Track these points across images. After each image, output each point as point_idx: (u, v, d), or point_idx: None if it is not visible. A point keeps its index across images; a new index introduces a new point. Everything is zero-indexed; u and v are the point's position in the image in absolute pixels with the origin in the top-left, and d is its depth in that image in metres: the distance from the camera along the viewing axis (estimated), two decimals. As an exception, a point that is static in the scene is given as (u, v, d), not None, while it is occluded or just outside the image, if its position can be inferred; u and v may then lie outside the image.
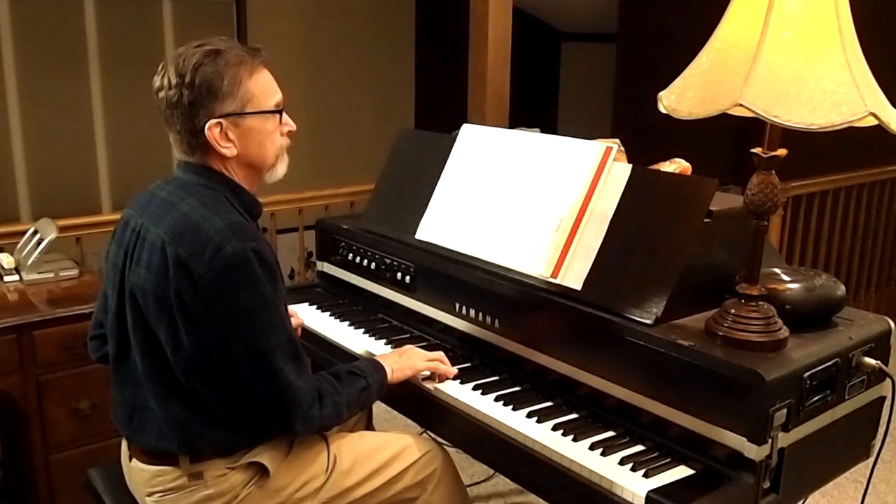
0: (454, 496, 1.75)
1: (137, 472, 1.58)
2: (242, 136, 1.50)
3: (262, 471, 1.55)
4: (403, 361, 1.71)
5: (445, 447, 1.79)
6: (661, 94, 1.41)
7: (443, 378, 1.73)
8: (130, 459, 1.60)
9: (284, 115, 1.57)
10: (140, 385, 1.52)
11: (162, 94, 1.48)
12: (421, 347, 1.86)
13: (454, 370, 1.74)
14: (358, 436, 1.72)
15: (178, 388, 1.48)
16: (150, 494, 1.55)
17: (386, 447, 1.69)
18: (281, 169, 1.60)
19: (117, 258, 1.55)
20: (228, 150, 1.50)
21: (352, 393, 1.58)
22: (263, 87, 1.52)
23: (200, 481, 1.52)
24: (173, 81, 1.46)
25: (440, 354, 1.77)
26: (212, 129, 1.47)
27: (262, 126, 1.52)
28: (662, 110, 1.40)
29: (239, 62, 1.48)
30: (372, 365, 1.66)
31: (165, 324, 1.44)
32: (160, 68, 1.50)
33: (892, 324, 1.61)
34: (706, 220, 1.54)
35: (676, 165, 1.85)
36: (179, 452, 1.51)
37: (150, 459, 1.55)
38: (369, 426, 2.12)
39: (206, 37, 1.53)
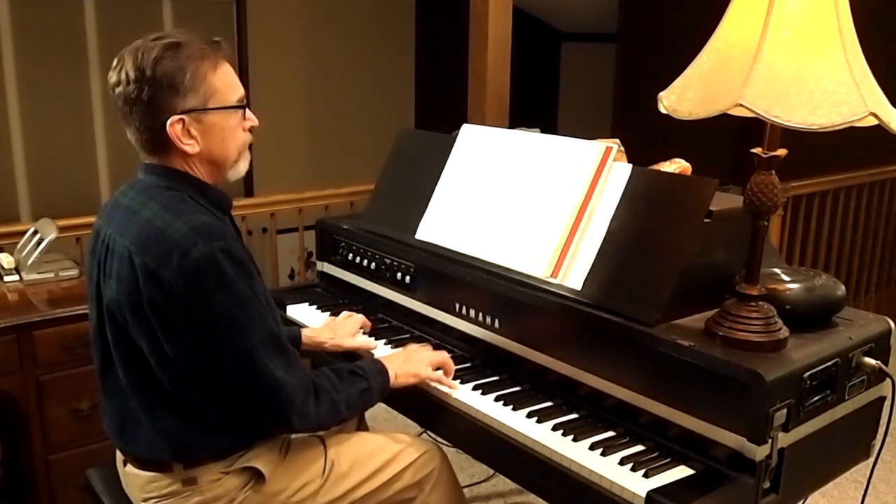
0: (451, 496, 1.74)
1: (132, 477, 1.57)
2: (205, 132, 1.46)
3: (257, 475, 1.54)
4: (408, 367, 1.68)
5: (443, 447, 1.79)
6: (662, 94, 1.41)
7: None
8: (125, 465, 1.60)
9: (247, 110, 1.52)
10: (127, 396, 1.51)
11: (119, 89, 1.42)
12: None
13: (456, 386, 1.71)
14: (355, 437, 1.72)
15: (165, 398, 1.46)
16: (145, 500, 1.55)
17: (384, 448, 1.68)
18: (243, 166, 1.55)
19: (92, 269, 1.53)
20: (191, 146, 1.45)
21: (352, 393, 1.56)
22: (226, 82, 1.47)
23: (195, 486, 1.50)
24: (132, 76, 1.40)
25: (444, 358, 1.74)
26: (173, 126, 1.42)
27: (224, 122, 1.47)
28: (662, 110, 1.40)
29: (201, 56, 1.43)
30: (375, 367, 1.64)
31: (145, 334, 1.42)
32: (116, 62, 1.44)
33: (892, 324, 1.61)
34: (706, 220, 1.53)
35: (676, 165, 1.85)
36: (172, 461, 1.50)
37: (144, 466, 1.54)
38: (361, 423, 2.11)
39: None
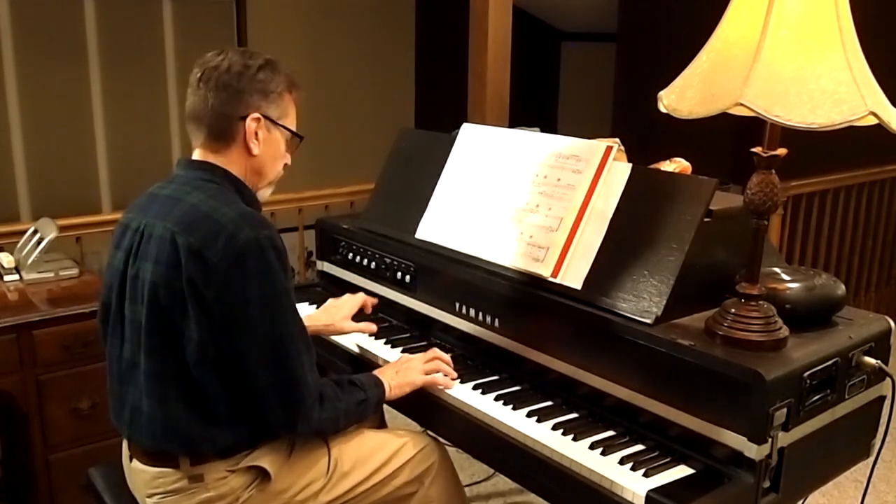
0: (451, 490, 1.76)
1: (138, 472, 1.58)
2: (266, 142, 1.57)
3: (262, 474, 1.55)
4: (401, 377, 1.70)
5: (442, 444, 1.79)
6: (661, 93, 1.41)
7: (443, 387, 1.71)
8: (131, 460, 1.60)
9: (296, 147, 1.64)
10: (143, 386, 1.52)
11: (216, 73, 1.51)
12: (420, 348, 1.86)
13: (453, 383, 1.72)
14: (358, 436, 1.72)
15: (182, 387, 1.47)
16: (150, 496, 1.55)
17: (384, 445, 1.70)
18: (269, 192, 1.66)
19: (118, 261, 1.55)
20: (255, 146, 1.54)
21: (351, 403, 1.59)
22: (295, 112, 1.63)
23: (201, 484, 1.52)
24: (236, 68, 1.52)
25: (436, 355, 1.75)
26: (253, 121, 1.52)
27: (281, 142, 1.60)
28: (662, 110, 1.40)
29: (289, 82, 1.60)
30: (372, 380, 1.67)
31: (178, 314, 1.44)
32: (217, 53, 1.55)
33: (892, 323, 1.61)
34: (706, 220, 1.54)
35: (676, 165, 1.85)
36: (179, 454, 1.51)
37: (151, 461, 1.55)
38: (382, 424, 2.12)
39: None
